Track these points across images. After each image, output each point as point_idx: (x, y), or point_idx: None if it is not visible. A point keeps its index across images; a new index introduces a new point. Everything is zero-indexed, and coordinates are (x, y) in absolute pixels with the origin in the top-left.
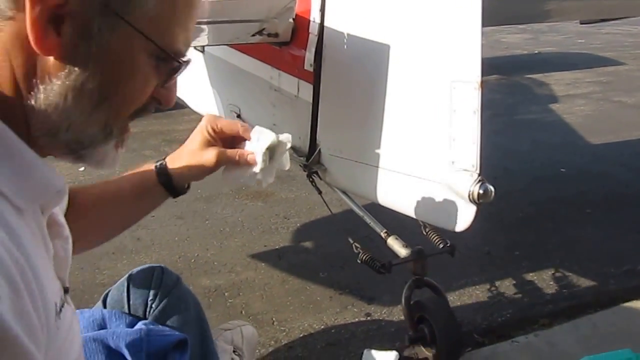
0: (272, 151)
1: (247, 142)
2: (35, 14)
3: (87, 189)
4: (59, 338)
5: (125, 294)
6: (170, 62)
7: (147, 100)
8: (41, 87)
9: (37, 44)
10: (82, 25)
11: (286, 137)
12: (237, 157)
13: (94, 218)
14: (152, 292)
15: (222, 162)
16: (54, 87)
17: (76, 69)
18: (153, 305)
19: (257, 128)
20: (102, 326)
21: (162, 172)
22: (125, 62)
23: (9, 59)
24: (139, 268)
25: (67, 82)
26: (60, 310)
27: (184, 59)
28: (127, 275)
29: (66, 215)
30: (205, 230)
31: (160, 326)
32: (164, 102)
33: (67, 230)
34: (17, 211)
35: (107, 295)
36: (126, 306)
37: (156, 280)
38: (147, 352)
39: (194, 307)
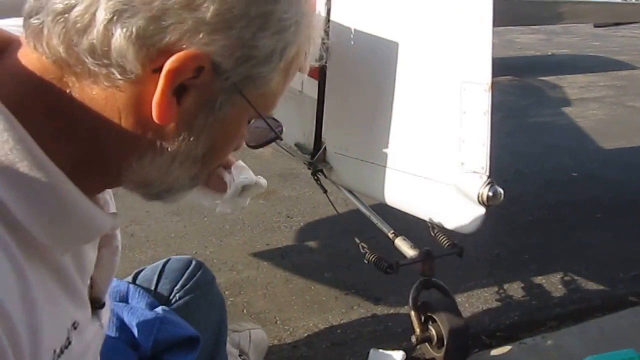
0: (244, 189)
1: (224, 170)
2: (168, 85)
3: None
4: None
5: (156, 276)
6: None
7: None
8: (149, 150)
9: (160, 113)
10: (206, 99)
11: (263, 182)
12: (208, 183)
13: None
14: (180, 282)
15: None
16: (162, 152)
17: (191, 138)
18: (177, 296)
19: (239, 163)
20: (124, 299)
21: None
22: (232, 130)
23: (119, 118)
24: (179, 256)
25: (179, 150)
26: (62, 352)
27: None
28: (164, 260)
29: None
30: (204, 228)
31: (177, 317)
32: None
33: (117, 241)
34: (40, 247)
35: (139, 272)
36: (153, 287)
37: (190, 273)
38: (156, 338)
39: (219, 310)
